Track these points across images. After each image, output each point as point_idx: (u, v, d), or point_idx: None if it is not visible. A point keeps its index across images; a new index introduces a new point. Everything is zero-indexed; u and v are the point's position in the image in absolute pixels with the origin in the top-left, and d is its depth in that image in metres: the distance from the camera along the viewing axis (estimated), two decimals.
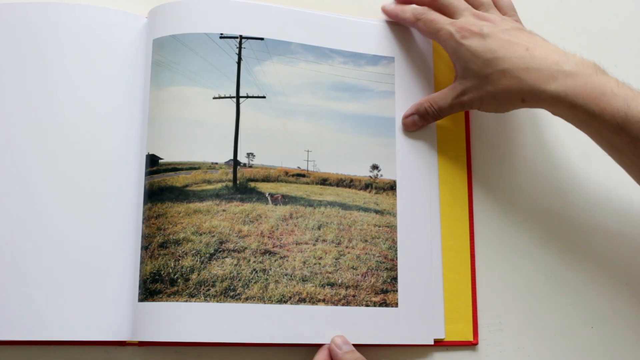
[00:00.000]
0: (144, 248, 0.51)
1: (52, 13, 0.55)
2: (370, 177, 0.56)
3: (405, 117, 0.56)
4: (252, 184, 0.53)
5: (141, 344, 0.52)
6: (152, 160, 0.53)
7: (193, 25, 0.54)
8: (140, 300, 0.50)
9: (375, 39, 0.58)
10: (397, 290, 0.54)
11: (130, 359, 0.52)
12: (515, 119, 0.60)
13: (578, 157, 0.59)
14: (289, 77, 0.55)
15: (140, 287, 0.50)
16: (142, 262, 0.51)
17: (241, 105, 0.54)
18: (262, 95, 0.55)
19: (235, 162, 0.53)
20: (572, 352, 0.55)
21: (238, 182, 0.53)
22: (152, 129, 0.53)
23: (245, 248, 0.51)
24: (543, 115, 0.60)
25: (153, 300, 0.49)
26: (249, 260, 0.51)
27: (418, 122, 0.56)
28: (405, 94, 0.57)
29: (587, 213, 0.58)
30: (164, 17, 0.55)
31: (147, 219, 0.51)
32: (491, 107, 0.53)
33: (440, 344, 0.54)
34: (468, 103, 0.53)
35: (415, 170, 0.56)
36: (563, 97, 0.48)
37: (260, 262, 0.51)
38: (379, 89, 0.57)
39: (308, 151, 0.55)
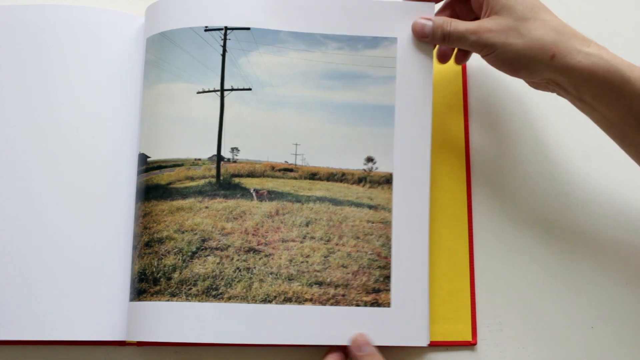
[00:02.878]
0: (134, 247, 0.54)
1: (51, 15, 0.59)
2: (365, 170, 0.56)
3: (422, 20, 0.56)
4: (237, 180, 0.55)
5: (139, 344, 0.55)
6: (143, 159, 0.55)
7: (179, 20, 0.57)
8: (131, 300, 0.53)
9: (376, 18, 0.57)
10: (389, 290, 0.54)
11: (130, 359, 0.56)
12: (515, 117, 0.62)
13: (578, 157, 0.61)
14: (277, 67, 0.57)
15: (130, 287, 0.53)
16: (132, 262, 0.54)
17: (226, 99, 0.56)
18: (247, 87, 0.56)
19: (218, 158, 0.55)
20: (572, 352, 0.57)
21: (222, 178, 0.55)
22: (142, 128, 0.56)
23: (229, 246, 0.53)
24: (544, 114, 0.62)
25: (139, 300, 0.52)
26: (232, 259, 0.53)
27: (427, 30, 0.56)
28: (408, 78, 0.57)
29: (587, 213, 0.60)
30: (156, 15, 0.58)
31: (137, 218, 0.55)
32: (510, 56, 0.52)
33: (439, 344, 0.56)
34: (486, 43, 0.52)
35: (413, 162, 0.56)
36: (598, 59, 0.50)
37: (244, 261, 0.53)
38: (377, 75, 0.57)
39: (296, 144, 0.56)
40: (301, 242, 0.54)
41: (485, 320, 0.58)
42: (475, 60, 0.59)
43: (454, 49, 0.59)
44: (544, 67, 0.52)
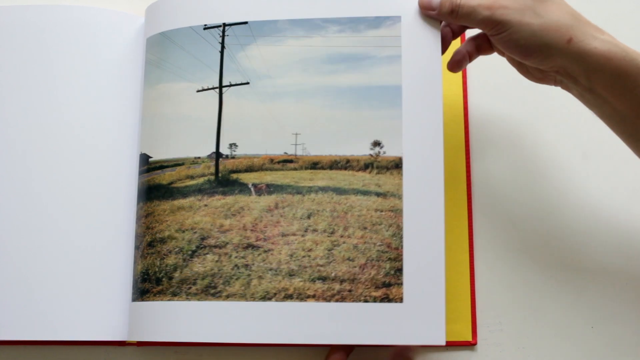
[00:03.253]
0: (137, 247, 0.55)
1: (51, 15, 0.60)
2: (371, 155, 0.53)
3: None
4: (235, 176, 0.54)
5: (139, 344, 0.55)
6: (144, 159, 0.56)
7: (179, 20, 0.57)
8: (133, 300, 0.54)
9: None
10: (402, 284, 0.50)
11: (130, 359, 0.56)
12: (515, 117, 0.62)
13: (578, 157, 0.61)
14: (275, 57, 0.55)
15: (133, 287, 0.54)
16: (134, 262, 0.54)
17: (224, 95, 0.55)
18: (245, 81, 0.55)
19: (217, 155, 0.54)
20: (572, 352, 0.57)
21: (220, 174, 0.54)
22: (143, 128, 0.57)
23: (227, 243, 0.52)
24: (544, 115, 0.62)
25: (142, 300, 0.53)
26: (231, 256, 0.52)
27: (434, 3, 0.52)
28: (414, 56, 0.53)
29: (587, 213, 0.60)
30: (156, 15, 0.58)
31: (139, 219, 0.55)
32: (524, 36, 0.49)
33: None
34: (500, 20, 0.49)
35: (424, 144, 0.52)
36: (614, 47, 0.49)
37: (242, 257, 0.51)
38: (381, 55, 0.54)
39: (296, 134, 0.54)
40: (302, 236, 0.52)
41: (485, 320, 0.58)
42: (476, 62, 0.58)
43: (454, 34, 0.56)
44: (558, 51, 0.49)
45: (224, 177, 0.54)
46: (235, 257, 0.52)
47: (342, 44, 0.55)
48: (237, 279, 0.51)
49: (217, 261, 0.52)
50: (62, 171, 0.57)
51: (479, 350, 0.57)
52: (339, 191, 0.53)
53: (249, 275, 0.51)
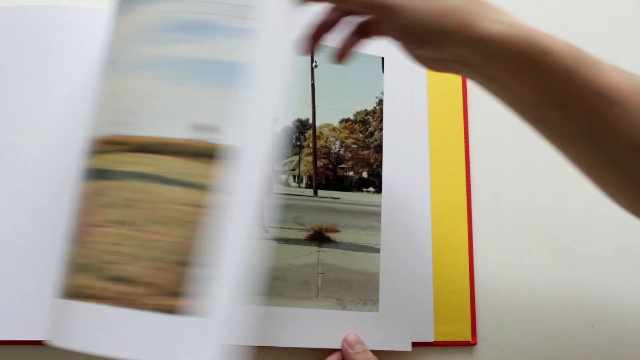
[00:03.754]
0: None
1: (51, 15, 0.60)
2: (201, 141, 0.44)
3: None
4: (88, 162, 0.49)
5: None
6: None
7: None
8: None
9: None
10: (204, 294, 0.41)
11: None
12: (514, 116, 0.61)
13: None
14: (127, 28, 0.50)
15: None
16: None
17: (94, 75, 0.52)
18: (109, 59, 0.50)
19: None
20: (572, 352, 0.58)
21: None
22: None
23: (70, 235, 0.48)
24: None
25: None
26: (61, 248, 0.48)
27: None
28: (268, 33, 0.45)
29: (587, 212, 0.60)
30: None
31: None
32: (418, 23, 0.43)
33: (439, 344, 0.57)
34: (390, 4, 0.44)
35: (255, 135, 0.43)
36: (516, 30, 0.43)
37: (65, 250, 0.48)
38: (231, 26, 0.45)
39: (130, 112, 0.47)
40: (111, 228, 0.45)
41: (485, 320, 0.58)
42: None
43: (332, 23, 0.50)
44: (454, 38, 0.44)
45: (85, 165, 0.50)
46: (61, 249, 0.48)
47: (193, 10, 0.47)
48: (66, 273, 0.47)
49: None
50: (60, 172, 0.56)
51: (479, 350, 0.57)
52: (158, 179, 0.45)
53: (66, 269, 0.47)
